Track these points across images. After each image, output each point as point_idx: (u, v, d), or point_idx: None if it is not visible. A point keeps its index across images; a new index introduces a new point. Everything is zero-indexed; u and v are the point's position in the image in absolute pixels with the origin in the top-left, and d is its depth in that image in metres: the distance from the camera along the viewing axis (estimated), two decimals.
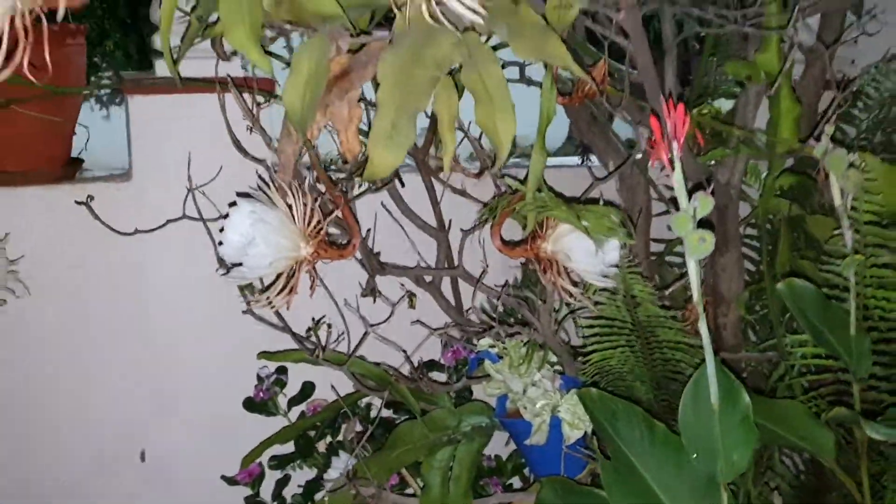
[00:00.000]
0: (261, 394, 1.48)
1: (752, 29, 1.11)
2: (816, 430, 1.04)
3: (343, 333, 1.28)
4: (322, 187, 1.08)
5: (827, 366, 1.18)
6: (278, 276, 0.96)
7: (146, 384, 1.60)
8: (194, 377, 1.61)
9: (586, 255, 0.93)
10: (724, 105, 1.71)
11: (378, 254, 1.34)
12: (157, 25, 1.51)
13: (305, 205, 0.94)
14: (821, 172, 0.92)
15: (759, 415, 0.90)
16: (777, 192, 1.44)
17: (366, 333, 1.25)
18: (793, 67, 1.33)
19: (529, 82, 1.49)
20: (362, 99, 1.01)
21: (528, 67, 1.51)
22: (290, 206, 0.94)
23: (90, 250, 1.52)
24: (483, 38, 0.86)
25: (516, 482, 1.64)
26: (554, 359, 1.31)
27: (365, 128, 1.11)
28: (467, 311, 1.29)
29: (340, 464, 1.39)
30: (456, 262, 1.39)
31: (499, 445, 1.58)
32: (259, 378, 1.50)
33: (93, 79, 1.85)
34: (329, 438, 1.50)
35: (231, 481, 1.53)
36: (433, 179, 1.48)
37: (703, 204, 0.71)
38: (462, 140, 1.32)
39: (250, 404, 1.50)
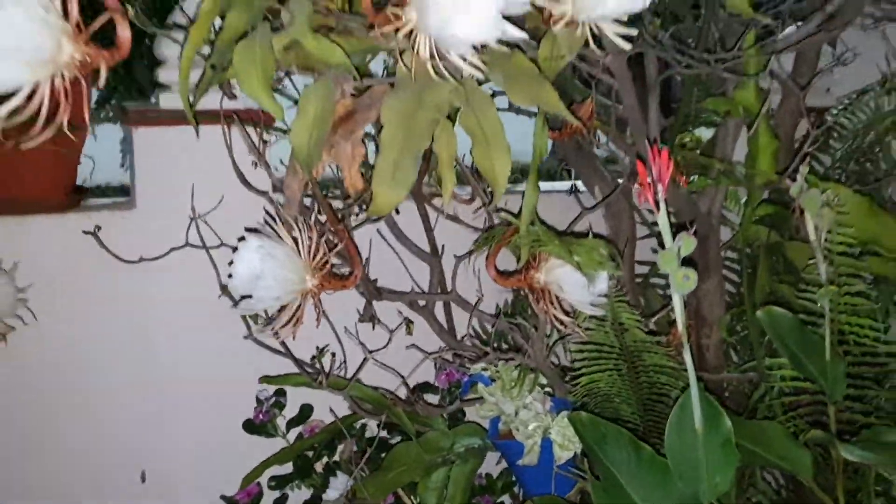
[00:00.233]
0: (260, 416, 1.51)
1: (729, 74, 1.16)
2: (795, 451, 1.08)
3: (341, 359, 1.32)
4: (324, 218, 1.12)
5: (804, 388, 1.22)
6: (283, 307, 1.00)
7: (147, 406, 1.63)
8: (194, 399, 1.64)
9: (577, 286, 0.98)
10: (705, 133, 1.76)
11: (375, 280, 1.38)
12: (160, 60, 1.55)
13: (311, 239, 0.98)
14: (796, 209, 0.97)
15: (740, 436, 0.94)
16: (756, 219, 1.50)
17: (365, 360, 1.29)
18: (769, 102, 1.39)
19: (518, 111, 1.54)
20: (366, 135, 1.06)
21: None
22: (295, 240, 0.98)
23: (95, 276, 1.54)
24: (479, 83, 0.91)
25: (507, 500, 1.68)
26: (544, 381, 1.36)
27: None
28: (462, 337, 1.32)
29: (338, 484, 1.43)
30: (449, 287, 1.43)
31: (489, 464, 1.61)
32: (258, 400, 1.54)
33: (96, 109, 1.89)
34: (326, 459, 1.53)
35: (230, 501, 1.56)
36: (426, 206, 1.52)
37: (687, 244, 0.75)
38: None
39: (250, 426, 1.53)
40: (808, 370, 1.09)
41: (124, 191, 2.08)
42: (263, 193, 1.27)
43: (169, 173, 1.57)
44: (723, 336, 1.54)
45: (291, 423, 1.54)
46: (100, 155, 1.74)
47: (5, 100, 0.64)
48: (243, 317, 1.34)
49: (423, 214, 1.54)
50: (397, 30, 0.73)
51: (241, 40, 0.85)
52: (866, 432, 1.04)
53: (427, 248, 1.53)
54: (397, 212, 1.48)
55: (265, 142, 1.21)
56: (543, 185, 2.04)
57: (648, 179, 0.78)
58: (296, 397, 1.56)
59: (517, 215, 1.05)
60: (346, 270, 1.08)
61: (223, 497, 1.56)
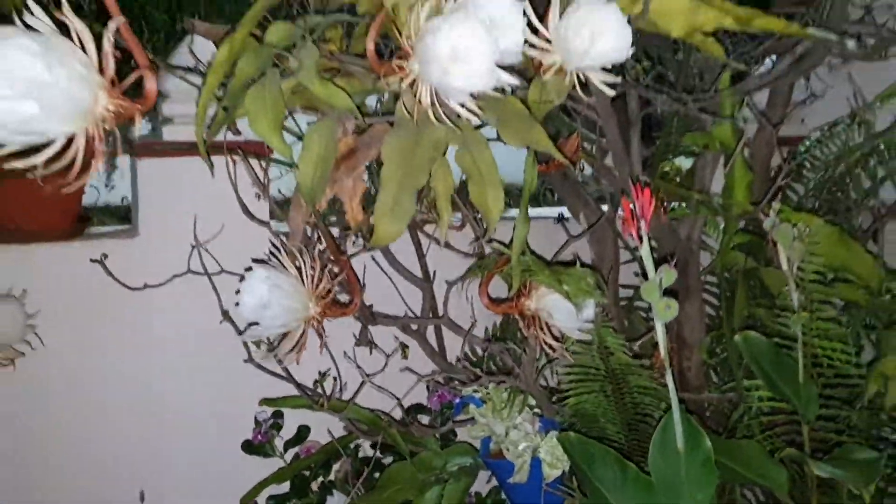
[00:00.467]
0: (259, 436, 1.55)
1: (706, 115, 1.23)
2: (771, 468, 1.14)
3: (337, 380, 1.36)
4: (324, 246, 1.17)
5: (780, 408, 1.28)
6: (286, 333, 1.05)
7: (147, 427, 1.66)
8: (193, 421, 1.67)
9: (566, 313, 1.03)
10: (685, 163, 1.83)
11: (370, 305, 1.43)
12: (165, 94, 1.60)
13: (314, 269, 1.03)
14: (769, 242, 1.03)
15: (719, 454, 0.99)
16: (733, 246, 1.56)
17: (363, 383, 1.33)
18: (746, 134, 1.45)
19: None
20: (367, 168, 1.11)
21: None
22: (299, 270, 1.03)
23: (98, 303, 1.58)
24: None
25: None
26: (533, 402, 1.40)
27: None
28: (457, 360, 1.37)
29: (334, 502, 1.47)
30: (441, 312, 1.48)
31: (479, 483, 1.65)
32: (257, 422, 1.57)
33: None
34: (321, 479, 1.57)
35: None
36: (418, 233, 1.57)
37: (668, 275, 0.81)
38: None
39: (249, 447, 1.57)
40: (782, 392, 1.15)
41: (109, 210, 2.12)
42: (265, 223, 1.32)
43: (171, 203, 1.62)
44: (703, 358, 1.59)
45: (289, 444, 1.58)
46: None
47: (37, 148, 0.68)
48: (244, 342, 1.39)
49: (415, 241, 1.59)
50: (402, 79, 0.78)
51: (251, 85, 0.90)
52: (838, 450, 1.09)
53: (419, 274, 1.58)
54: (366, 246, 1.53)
55: (270, 179, 1.26)
56: (530, 212, 2.10)
57: (632, 214, 0.84)
58: (292, 419, 1.60)
59: (509, 245, 1.10)
60: (344, 297, 1.12)
61: None
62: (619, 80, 0.86)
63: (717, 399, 1.58)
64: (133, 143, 1.58)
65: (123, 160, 1.68)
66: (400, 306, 1.59)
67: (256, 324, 0.98)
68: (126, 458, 1.66)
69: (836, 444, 1.19)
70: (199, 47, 1.34)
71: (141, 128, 0.73)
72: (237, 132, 1.16)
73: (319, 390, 1.39)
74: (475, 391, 1.40)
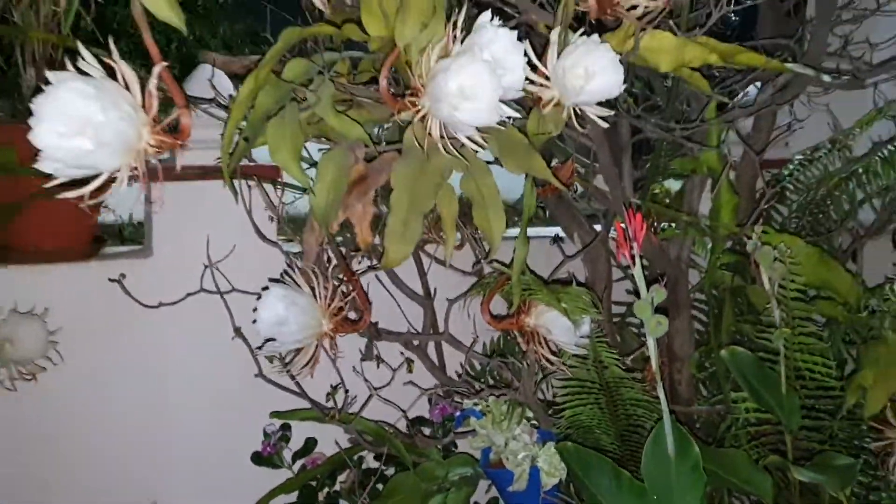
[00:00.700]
0: (268, 448, 1.60)
1: (693, 144, 1.30)
2: (757, 475, 1.19)
3: (347, 393, 1.42)
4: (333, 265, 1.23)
5: (766, 419, 1.34)
6: (299, 349, 1.10)
7: (159, 440, 1.71)
8: (203, 434, 1.72)
9: (564, 329, 1.09)
10: (674, 185, 1.90)
11: (376, 323, 1.48)
12: None
13: (327, 288, 1.09)
14: (752, 263, 1.09)
15: (708, 463, 1.05)
16: (721, 265, 1.62)
17: (370, 396, 1.39)
18: (731, 156, 1.52)
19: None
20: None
21: None
22: (312, 289, 1.09)
23: (113, 320, 1.63)
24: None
25: None
26: (531, 414, 1.46)
27: None
28: (460, 375, 1.43)
29: None
30: (442, 328, 1.54)
31: (477, 494, 1.71)
32: (266, 434, 1.62)
33: None
34: (327, 489, 1.62)
35: None
36: (420, 252, 1.63)
37: (659, 294, 0.87)
38: None
39: (258, 458, 1.62)
40: (767, 403, 1.21)
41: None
42: (276, 245, 1.38)
43: (183, 225, 1.67)
44: (692, 372, 1.65)
45: (297, 455, 1.63)
46: None
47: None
48: (255, 357, 1.44)
49: (417, 261, 1.65)
50: (414, 113, 0.85)
51: (270, 117, 0.97)
52: (818, 457, 1.15)
53: (421, 292, 1.63)
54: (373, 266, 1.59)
55: (284, 203, 1.32)
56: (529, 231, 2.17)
57: (625, 236, 0.90)
58: (300, 431, 1.65)
59: (509, 265, 1.16)
60: (352, 315, 1.18)
61: None
62: (612, 112, 0.93)
63: (706, 411, 1.64)
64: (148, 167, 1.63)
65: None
66: (402, 323, 1.64)
67: (273, 339, 1.04)
68: (139, 470, 1.70)
69: (819, 453, 1.25)
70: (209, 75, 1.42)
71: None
72: (251, 160, 1.22)
73: (331, 403, 1.45)
74: (475, 404, 1.45)
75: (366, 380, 1.40)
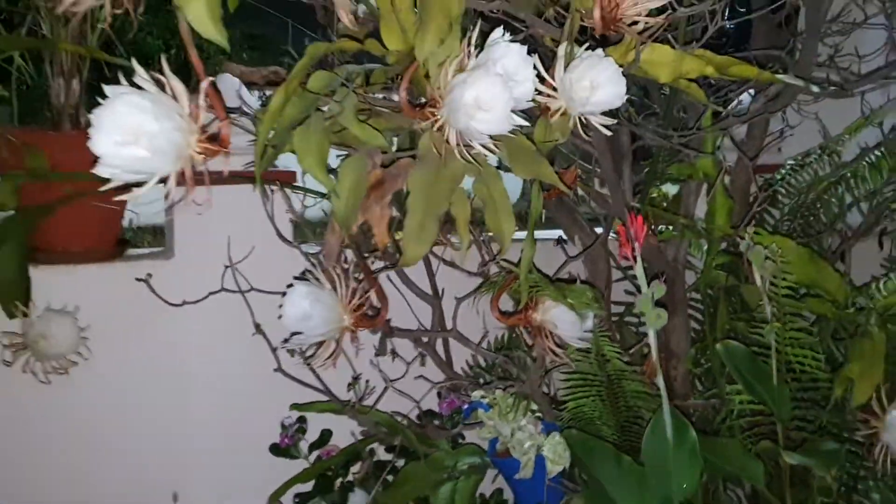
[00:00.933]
0: (286, 440, 1.65)
1: (690, 150, 1.36)
2: (749, 462, 1.25)
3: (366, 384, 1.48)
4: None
5: (758, 410, 1.40)
6: (321, 342, 1.16)
7: (180, 433, 1.77)
8: (223, 426, 1.78)
9: (569, 323, 1.15)
10: (671, 189, 1.96)
11: (389, 320, 1.54)
12: None
13: (347, 286, 1.14)
14: (745, 262, 1.15)
15: (704, 451, 1.10)
16: (716, 266, 1.68)
17: (386, 388, 1.45)
18: (726, 161, 1.58)
19: (507, 170, 1.72)
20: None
21: None
22: (333, 286, 1.15)
23: (136, 319, 1.69)
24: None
25: None
26: (535, 407, 1.52)
27: None
28: (471, 368, 1.48)
29: (356, 499, 1.57)
30: (449, 326, 1.59)
31: (482, 485, 1.77)
32: (283, 426, 1.68)
33: None
34: (341, 479, 1.68)
35: None
36: (429, 254, 1.69)
37: (658, 289, 0.93)
38: None
39: (276, 449, 1.67)
40: (759, 394, 1.27)
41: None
42: (295, 246, 1.44)
43: (202, 228, 1.74)
44: (689, 367, 1.71)
45: (313, 447, 1.68)
46: None
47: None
48: (274, 353, 1.51)
49: (426, 261, 1.71)
50: (433, 123, 0.91)
51: (297, 126, 1.02)
52: (808, 443, 1.21)
53: (429, 291, 1.69)
54: (393, 264, 1.65)
55: (303, 202, 1.38)
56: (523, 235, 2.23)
57: (626, 238, 0.97)
58: (315, 423, 1.71)
59: (517, 265, 1.22)
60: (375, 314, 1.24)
61: None
62: (615, 122, 0.99)
63: (701, 405, 1.70)
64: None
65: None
66: (412, 321, 1.70)
67: (299, 333, 1.10)
68: (161, 462, 1.77)
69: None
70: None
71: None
72: (273, 165, 1.28)
73: (351, 393, 1.50)
74: (483, 397, 1.51)
75: (381, 372, 1.46)
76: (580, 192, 1.79)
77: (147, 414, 1.74)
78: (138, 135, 0.71)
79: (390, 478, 1.61)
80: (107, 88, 0.74)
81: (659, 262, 1.63)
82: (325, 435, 1.68)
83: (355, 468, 1.69)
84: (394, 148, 1.16)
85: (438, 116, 0.90)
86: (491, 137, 0.94)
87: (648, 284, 0.94)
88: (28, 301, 1.47)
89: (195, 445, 1.79)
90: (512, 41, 0.96)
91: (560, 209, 1.81)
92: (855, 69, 1.57)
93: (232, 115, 1.31)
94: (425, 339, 1.66)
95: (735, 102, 1.57)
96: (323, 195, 1.38)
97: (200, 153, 0.77)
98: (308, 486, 1.64)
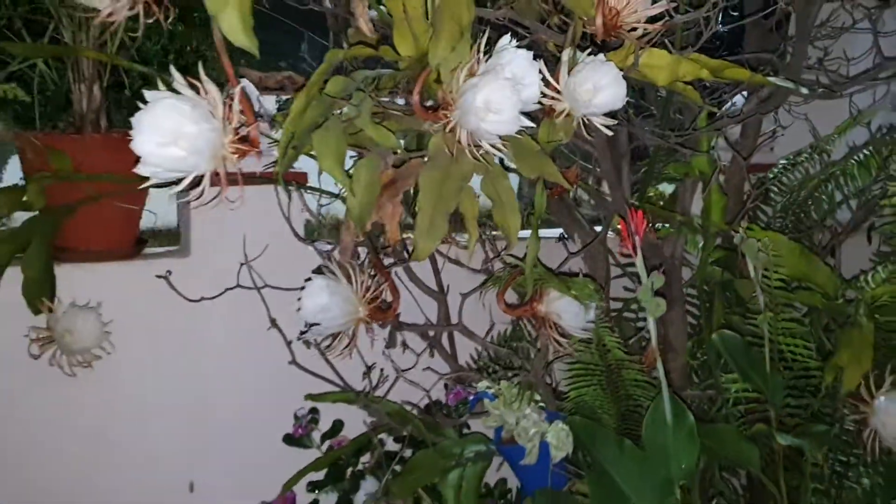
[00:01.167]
0: (299, 430, 1.70)
1: (686, 149, 1.41)
2: (745, 447, 1.30)
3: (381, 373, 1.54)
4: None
5: (754, 398, 1.45)
6: (337, 334, 1.21)
7: (196, 425, 1.82)
8: (238, 417, 1.83)
9: (573, 314, 1.21)
10: (667, 188, 2.01)
11: (398, 314, 1.59)
12: None
13: (362, 281, 1.20)
14: (739, 256, 1.21)
15: (702, 437, 1.15)
16: (711, 261, 1.74)
17: (397, 378, 1.50)
18: (721, 161, 1.63)
19: (509, 170, 1.77)
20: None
21: None
22: (349, 280, 1.20)
23: (154, 314, 1.74)
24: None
25: None
26: (538, 397, 1.57)
27: None
28: (477, 360, 1.54)
29: (368, 486, 1.62)
30: (455, 320, 1.64)
31: (486, 475, 1.82)
32: (296, 417, 1.73)
33: None
34: (351, 468, 1.72)
35: None
36: (434, 252, 1.73)
37: (658, 280, 0.98)
38: None
39: (289, 439, 1.72)
40: (754, 381, 1.32)
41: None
42: (310, 243, 1.49)
43: (219, 226, 1.79)
44: (686, 360, 1.76)
45: (325, 436, 1.73)
46: None
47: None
48: (288, 346, 1.55)
49: (431, 258, 1.76)
50: (445, 125, 0.96)
51: (316, 129, 1.08)
52: (799, 427, 1.26)
53: (435, 287, 1.74)
54: (405, 259, 1.70)
55: (321, 205, 1.43)
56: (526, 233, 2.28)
57: (627, 233, 1.02)
58: (328, 414, 1.76)
59: (522, 259, 1.28)
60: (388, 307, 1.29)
61: (263, 503, 1.74)
62: (616, 122, 1.04)
63: (698, 396, 1.75)
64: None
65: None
66: (418, 316, 1.75)
67: (317, 324, 1.15)
68: (177, 452, 1.82)
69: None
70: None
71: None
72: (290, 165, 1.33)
73: (365, 382, 1.55)
74: (488, 387, 1.56)
75: (393, 362, 1.51)
76: (578, 192, 1.85)
77: (164, 406, 1.79)
78: (177, 136, 0.76)
79: (398, 468, 1.66)
80: (147, 93, 0.79)
81: (657, 258, 1.68)
82: (337, 425, 1.73)
83: (365, 458, 1.74)
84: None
85: (451, 118, 0.95)
86: (500, 138, 0.99)
87: (648, 276, 0.98)
88: (53, 297, 1.52)
89: (211, 436, 1.84)
90: (519, 47, 1.01)
91: (560, 208, 1.86)
92: (843, 72, 1.62)
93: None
94: (431, 333, 1.71)
95: (729, 104, 1.63)
96: (334, 195, 1.43)
97: (234, 153, 0.82)
98: (320, 475, 1.69)
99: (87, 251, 1.69)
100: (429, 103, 1.09)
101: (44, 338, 1.50)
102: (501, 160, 1.12)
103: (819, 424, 1.24)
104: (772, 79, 1.24)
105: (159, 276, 1.55)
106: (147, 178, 0.81)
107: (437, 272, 1.75)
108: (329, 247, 1.51)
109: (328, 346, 1.21)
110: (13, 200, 1.49)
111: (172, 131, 0.76)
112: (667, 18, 1.06)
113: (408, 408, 1.66)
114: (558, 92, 1.03)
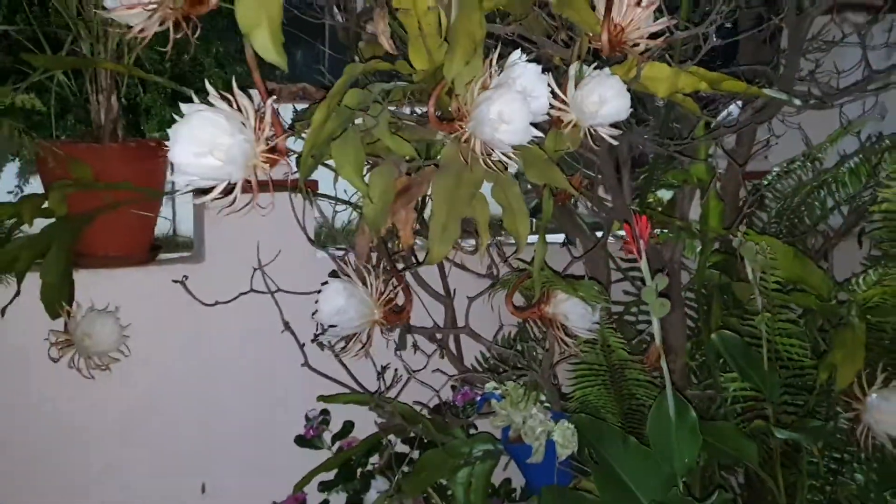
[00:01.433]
0: (311, 431, 1.74)
1: (685, 157, 1.46)
2: (743, 443, 1.34)
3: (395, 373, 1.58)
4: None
5: (752, 396, 1.49)
6: (353, 335, 1.26)
7: (208, 427, 1.86)
8: (250, 419, 1.88)
9: (579, 316, 1.25)
10: (665, 195, 2.06)
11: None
12: None
13: (376, 284, 1.24)
14: (741, 258, 1.26)
15: (702, 434, 1.19)
16: (709, 265, 1.78)
17: (408, 379, 1.55)
18: (717, 169, 1.69)
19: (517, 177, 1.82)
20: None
21: None
22: (364, 283, 1.25)
23: (168, 317, 1.79)
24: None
25: None
26: (543, 397, 1.61)
27: None
28: (486, 359, 1.58)
29: (379, 485, 1.66)
30: (462, 324, 1.69)
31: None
32: (307, 419, 1.76)
33: None
34: (360, 469, 1.76)
35: None
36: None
37: (662, 281, 1.03)
38: None
39: (301, 440, 1.76)
40: (752, 379, 1.37)
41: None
42: (323, 248, 1.53)
43: (230, 234, 1.83)
44: (686, 360, 1.81)
45: (336, 437, 1.77)
46: None
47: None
48: (301, 348, 1.60)
49: (438, 264, 1.80)
50: (460, 135, 1.01)
51: (335, 139, 1.12)
52: (796, 423, 1.31)
53: (442, 292, 1.79)
54: (419, 263, 1.75)
55: (336, 211, 1.47)
56: (534, 238, 2.33)
57: (632, 237, 1.06)
58: (339, 415, 1.80)
59: (530, 263, 1.32)
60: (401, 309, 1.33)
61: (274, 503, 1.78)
62: (621, 132, 1.09)
63: (698, 396, 1.80)
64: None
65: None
66: (427, 319, 1.80)
67: (334, 326, 1.19)
68: (190, 454, 1.85)
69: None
70: None
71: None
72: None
73: (376, 383, 1.60)
74: (495, 388, 1.61)
75: (405, 363, 1.55)
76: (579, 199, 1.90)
77: (177, 407, 1.83)
78: (213, 146, 0.81)
79: (407, 469, 1.70)
80: (183, 106, 0.83)
81: (657, 262, 1.73)
82: (348, 426, 1.76)
83: (374, 459, 1.77)
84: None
85: (466, 129, 1.00)
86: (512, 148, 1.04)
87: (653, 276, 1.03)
88: (72, 302, 1.56)
89: (223, 438, 1.88)
90: (529, 61, 1.06)
91: (563, 214, 1.91)
92: (834, 83, 1.67)
93: None
94: (439, 336, 1.75)
95: (725, 113, 1.68)
96: (346, 202, 1.47)
97: (265, 162, 0.86)
98: (331, 475, 1.73)
99: (105, 256, 1.73)
100: (437, 114, 1.13)
101: (63, 341, 1.54)
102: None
103: (814, 420, 1.28)
104: (767, 91, 1.30)
105: (175, 281, 1.60)
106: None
107: (443, 276, 1.79)
108: (340, 252, 1.56)
109: (343, 348, 1.25)
110: (34, 207, 1.53)
111: (208, 142, 0.80)
112: (668, 35, 1.11)
113: (417, 408, 1.70)
114: (565, 104, 1.08)
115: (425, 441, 1.66)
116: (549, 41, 1.23)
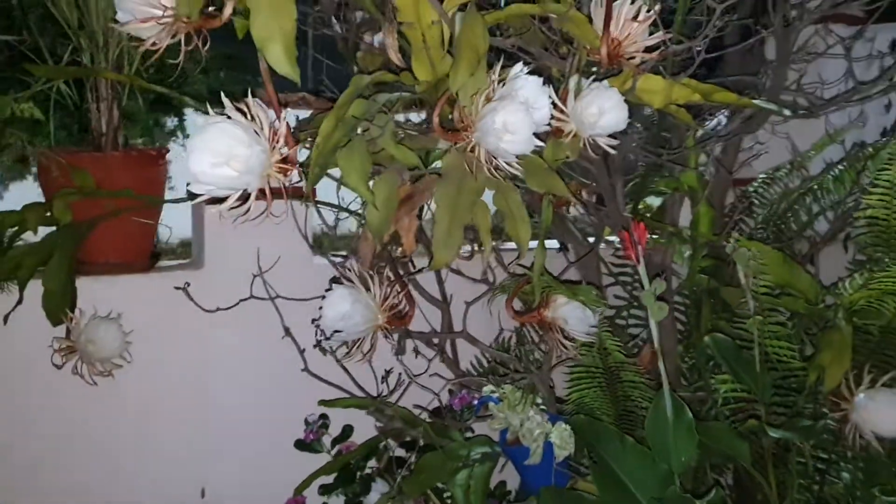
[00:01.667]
0: (311, 435, 1.75)
1: (677, 165, 1.50)
2: (736, 442, 1.36)
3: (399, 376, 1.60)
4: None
5: (742, 397, 1.52)
6: (358, 340, 1.28)
7: (207, 432, 1.87)
8: (250, 423, 1.89)
9: (578, 320, 1.28)
10: (655, 201, 2.09)
11: None
12: None
13: (381, 289, 1.26)
14: (730, 264, 1.29)
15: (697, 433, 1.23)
16: (699, 270, 1.82)
17: (409, 383, 1.57)
18: (706, 177, 1.72)
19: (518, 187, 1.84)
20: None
21: None
22: (367, 288, 1.27)
23: (169, 324, 1.80)
24: None
25: None
26: (539, 400, 1.64)
27: None
28: (488, 363, 1.60)
29: (379, 487, 1.68)
30: (459, 329, 1.71)
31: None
32: (307, 423, 1.78)
33: None
34: (359, 472, 1.78)
35: None
36: None
37: (660, 286, 1.06)
38: None
39: (301, 444, 1.77)
40: (744, 380, 1.40)
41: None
42: (324, 254, 1.55)
43: (228, 241, 1.84)
44: (677, 363, 1.84)
45: (335, 441, 1.78)
46: None
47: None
48: (301, 354, 1.62)
49: (435, 270, 1.82)
50: (466, 144, 1.04)
51: (342, 148, 1.14)
52: (786, 423, 1.34)
53: (439, 297, 1.81)
54: (418, 270, 1.77)
55: (338, 218, 1.49)
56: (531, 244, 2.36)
57: (630, 242, 1.09)
58: (338, 419, 1.82)
59: (528, 268, 1.35)
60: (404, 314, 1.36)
61: None
62: (618, 142, 1.12)
63: (689, 398, 1.83)
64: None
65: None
66: (424, 324, 1.82)
67: (338, 331, 1.21)
68: (189, 459, 1.86)
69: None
70: None
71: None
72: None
73: (374, 387, 1.61)
74: (493, 392, 1.63)
75: (406, 368, 1.57)
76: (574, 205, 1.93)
77: (177, 413, 1.84)
78: (229, 157, 0.83)
79: (406, 472, 1.72)
80: (199, 118, 0.85)
81: (648, 267, 1.76)
82: (347, 430, 1.78)
83: (372, 462, 1.79)
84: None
85: (470, 139, 1.03)
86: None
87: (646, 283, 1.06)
88: (74, 309, 1.57)
89: (222, 443, 1.89)
90: (531, 74, 1.09)
91: (556, 220, 1.94)
92: (819, 94, 1.71)
93: None
94: (436, 341, 1.78)
95: (715, 121, 1.72)
96: (346, 209, 1.49)
97: (278, 172, 0.88)
98: (330, 479, 1.75)
99: (106, 263, 1.74)
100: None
101: (66, 348, 1.55)
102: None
103: (804, 419, 1.31)
104: (757, 101, 1.33)
105: (177, 288, 1.61)
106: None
107: (440, 282, 1.82)
108: (340, 259, 1.58)
109: (346, 354, 1.27)
110: (39, 216, 1.54)
111: (225, 153, 0.82)
112: (663, 48, 1.15)
113: (417, 412, 1.72)
114: (565, 114, 1.11)
115: (425, 445, 1.68)
116: (547, 53, 1.26)
